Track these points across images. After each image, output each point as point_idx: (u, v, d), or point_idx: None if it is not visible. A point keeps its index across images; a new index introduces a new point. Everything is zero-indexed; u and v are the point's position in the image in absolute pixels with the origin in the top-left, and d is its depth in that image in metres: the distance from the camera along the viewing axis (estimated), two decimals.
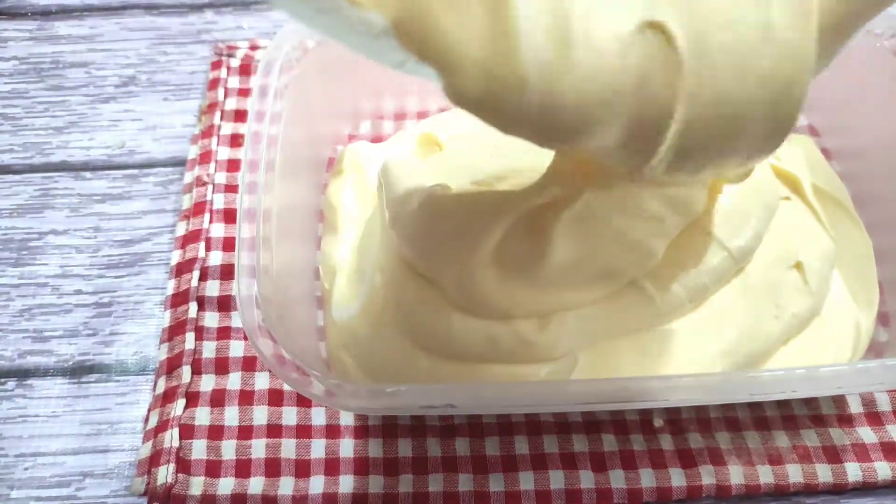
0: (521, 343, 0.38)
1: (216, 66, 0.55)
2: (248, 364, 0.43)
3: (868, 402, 0.42)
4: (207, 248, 0.47)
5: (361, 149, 0.49)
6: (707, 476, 0.40)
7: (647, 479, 0.40)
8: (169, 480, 0.39)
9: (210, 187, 0.49)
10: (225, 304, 0.45)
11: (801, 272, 0.41)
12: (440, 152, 0.46)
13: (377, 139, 0.51)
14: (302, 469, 0.40)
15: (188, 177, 0.50)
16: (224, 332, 0.44)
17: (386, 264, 0.41)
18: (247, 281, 0.36)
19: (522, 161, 0.41)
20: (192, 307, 0.45)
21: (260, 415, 0.41)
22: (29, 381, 0.43)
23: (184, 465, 0.40)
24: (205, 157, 0.51)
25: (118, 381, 0.43)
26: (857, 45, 0.44)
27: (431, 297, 0.39)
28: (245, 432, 0.41)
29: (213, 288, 0.45)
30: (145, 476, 0.39)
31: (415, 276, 0.40)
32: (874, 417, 0.42)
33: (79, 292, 0.46)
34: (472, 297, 0.38)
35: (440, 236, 0.39)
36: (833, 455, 0.41)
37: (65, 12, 0.60)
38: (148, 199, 0.50)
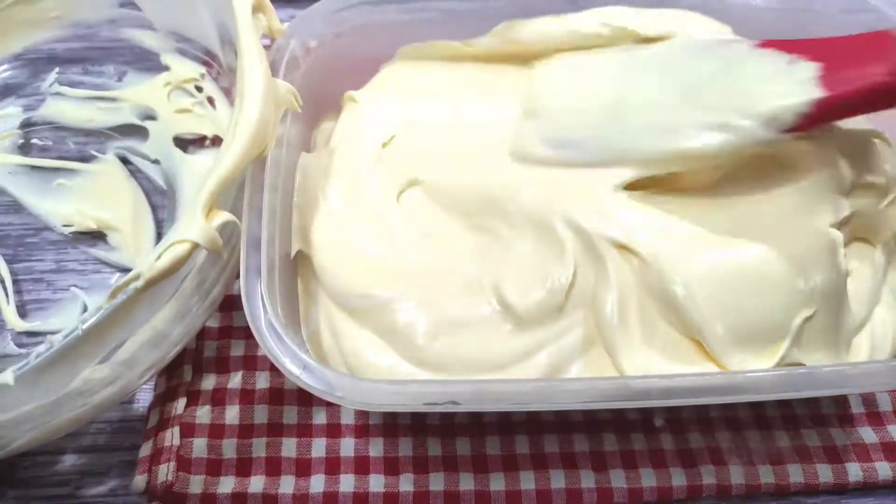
0: None
1: None
2: (249, 363, 0.43)
3: (869, 402, 0.43)
4: None
5: (326, 126, 0.46)
6: (708, 476, 0.40)
7: (647, 478, 0.40)
8: (169, 479, 0.39)
9: None
10: (226, 303, 0.45)
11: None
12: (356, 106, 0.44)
13: None
14: (302, 468, 0.40)
15: None
16: (225, 332, 0.44)
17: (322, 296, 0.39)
18: (251, 280, 0.35)
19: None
20: None
21: (260, 413, 0.41)
22: None
23: (184, 464, 0.39)
24: None
25: None
26: None
27: (372, 340, 0.38)
28: (246, 431, 0.41)
29: None
30: (146, 474, 0.39)
31: (349, 312, 0.38)
32: (875, 417, 0.42)
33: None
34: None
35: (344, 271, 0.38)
36: (834, 455, 0.41)
37: None
38: None
